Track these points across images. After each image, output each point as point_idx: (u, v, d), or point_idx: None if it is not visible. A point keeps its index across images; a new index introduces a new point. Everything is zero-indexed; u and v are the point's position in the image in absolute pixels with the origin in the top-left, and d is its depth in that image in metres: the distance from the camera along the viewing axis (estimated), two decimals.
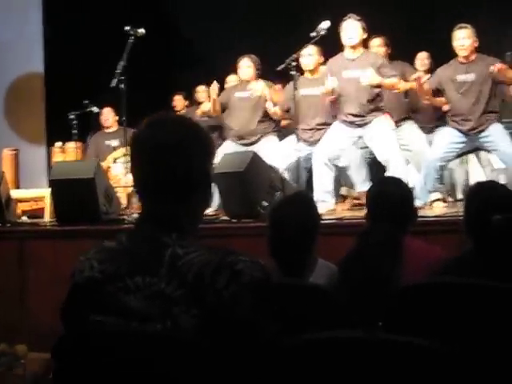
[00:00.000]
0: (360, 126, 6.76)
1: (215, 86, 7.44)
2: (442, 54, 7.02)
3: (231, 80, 8.23)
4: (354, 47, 6.72)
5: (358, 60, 6.74)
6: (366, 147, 7.03)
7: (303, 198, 3.52)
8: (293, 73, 6.62)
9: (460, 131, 6.71)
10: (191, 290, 1.67)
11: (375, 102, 6.74)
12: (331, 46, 7.03)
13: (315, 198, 6.44)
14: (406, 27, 8.93)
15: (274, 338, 1.73)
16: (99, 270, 1.81)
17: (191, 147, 1.84)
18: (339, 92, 6.77)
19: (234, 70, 7.80)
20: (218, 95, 7.60)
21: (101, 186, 6.39)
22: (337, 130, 6.85)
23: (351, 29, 6.69)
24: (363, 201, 5.30)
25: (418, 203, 5.52)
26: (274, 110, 7.34)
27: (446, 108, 7.04)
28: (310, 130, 7.19)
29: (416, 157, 7.22)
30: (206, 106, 7.98)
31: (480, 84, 6.61)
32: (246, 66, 7.53)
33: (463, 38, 6.59)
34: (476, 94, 6.65)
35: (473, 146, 7.05)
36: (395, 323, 2.70)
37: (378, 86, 6.70)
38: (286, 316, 2.60)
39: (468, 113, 6.65)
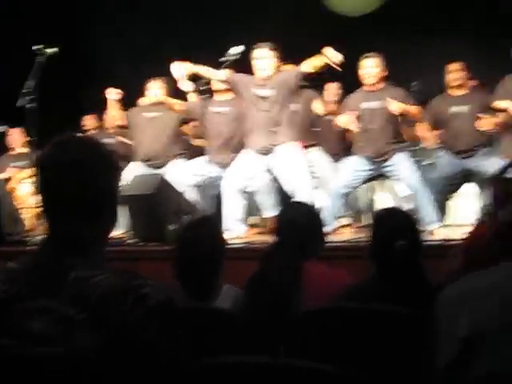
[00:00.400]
0: (268, 153, 6.77)
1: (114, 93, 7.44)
2: (354, 84, 7.14)
3: (144, 102, 8.21)
4: (265, 79, 6.74)
5: (268, 82, 6.77)
6: (275, 173, 7.06)
7: (210, 221, 3.53)
8: (203, 96, 6.63)
9: (366, 159, 6.83)
10: (95, 314, 1.65)
11: (286, 127, 6.77)
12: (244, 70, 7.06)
13: (225, 226, 6.46)
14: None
15: (178, 361, 1.73)
16: (2, 291, 1.77)
17: (96, 167, 1.83)
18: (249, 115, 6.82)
19: (143, 92, 7.78)
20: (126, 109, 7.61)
21: (5, 206, 6.26)
22: (247, 156, 6.85)
23: (264, 58, 6.68)
24: (271, 226, 5.33)
25: (326, 229, 5.59)
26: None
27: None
28: (220, 152, 7.20)
29: (323, 183, 7.30)
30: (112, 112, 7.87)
31: (386, 112, 6.75)
32: (157, 87, 7.52)
33: (370, 67, 6.73)
34: (381, 122, 6.78)
35: (378, 173, 7.18)
36: (297, 348, 2.73)
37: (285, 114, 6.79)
38: (192, 340, 2.60)
39: (373, 141, 6.78)
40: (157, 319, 1.67)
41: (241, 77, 6.83)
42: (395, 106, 6.62)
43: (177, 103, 7.36)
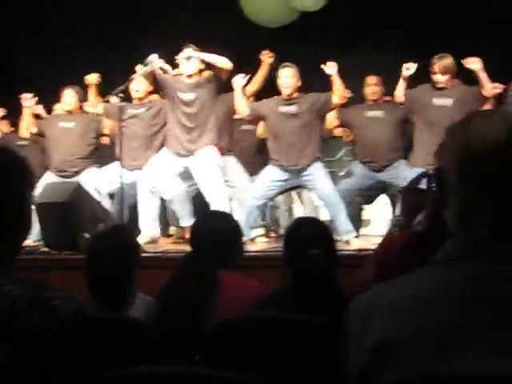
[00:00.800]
0: (187, 155, 6.77)
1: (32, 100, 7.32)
2: (270, 92, 7.18)
3: (58, 108, 8.09)
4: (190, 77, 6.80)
5: (192, 86, 6.80)
6: (193, 184, 7.06)
7: (124, 230, 3.49)
8: (121, 104, 6.58)
9: (282, 169, 6.87)
10: (1, 325, 1.61)
11: (206, 130, 6.79)
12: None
13: (140, 226, 6.43)
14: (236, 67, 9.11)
15: (88, 373, 1.69)
16: None
17: (9, 175, 1.79)
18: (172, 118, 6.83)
19: (59, 99, 7.68)
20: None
21: None
22: (163, 158, 6.85)
23: (188, 59, 6.75)
24: (188, 236, 5.31)
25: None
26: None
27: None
28: (132, 159, 7.16)
29: (239, 193, 7.30)
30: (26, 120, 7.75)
31: (302, 121, 6.81)
32: (69, 95, 7.47)
33: (287, 77, 6.80)
34: (298, 130, 6.83)
35: (295, 183, 7.23)
36: (212, 357, 2.72)
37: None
38: (104, 350, 2.56)
39: (290, 149, 6.84)
40: (65, 332, 1.64)
41: (169, 78, 6.86)
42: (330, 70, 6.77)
43: (92, 105, 7.31)
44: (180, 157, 6.80)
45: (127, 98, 6.87)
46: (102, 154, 7.78)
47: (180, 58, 6.81)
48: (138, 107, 7.20)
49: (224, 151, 7.24)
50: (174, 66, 6.86)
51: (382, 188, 7.48)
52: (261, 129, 7.06)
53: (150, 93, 7.29)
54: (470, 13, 9.01)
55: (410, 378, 1.23)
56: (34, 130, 7.59)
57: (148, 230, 6.65)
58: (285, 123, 6.83)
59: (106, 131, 7.54)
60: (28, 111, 7.40)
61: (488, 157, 1.31)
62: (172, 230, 7.82)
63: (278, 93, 6.91)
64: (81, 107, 7.51)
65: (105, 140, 7.84)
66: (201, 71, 6.85)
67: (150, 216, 6.79)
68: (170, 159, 6.82)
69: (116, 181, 6.72)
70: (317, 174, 6.84)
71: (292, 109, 6.82)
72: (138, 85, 7.15)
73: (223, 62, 6.73)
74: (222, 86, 6.86)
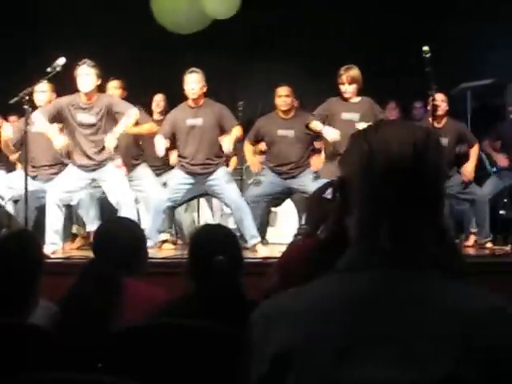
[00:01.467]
0: (94, 170, 6.73)
1: None
2: (179, 97, 7.19)
3: None
4: (88, 95, 6.68)
5: (92, 106, 6.71)
6: (99, 187, 7.00)
7: (27, 235, 3.41)
8: (26, 107, 6.45)
9: (188, 173, 6.90)
10: None
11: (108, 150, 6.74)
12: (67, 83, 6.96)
13: (46, 239, 6.33)
14: (144, 71, 9.07)
15: None
16: None
17: None
18: (72, 134, 6.74)
19: None
20: None
21: None
22: (70, 172, 6.78)
23: (86, 75, 6.63)
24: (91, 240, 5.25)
25: (148, 243, 5.59)
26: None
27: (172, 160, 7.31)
28: (38, 167, 7.07)
29: (147, 197, 7.28)
30: None
31: (206, 129, 6.87)
32: None
33: (193, 82, 6.82)
34: (201, 138, 6.90)
35: (202, 190, 7.26)
36: (114, 365, 2.69)
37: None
38: (3, 357, 2.51)
39: (194, 156, 6.87)
40: None
41: (63, 102, 6.78)
42: (226, 146, 6.80)
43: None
44: (88, 172, 6.75)
45: (31, 104, 6.71)
46: (4, 158, 7.67)
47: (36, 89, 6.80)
48: None
49: (132, 162, 7.26)
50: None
51: (288, 193, 7.57)
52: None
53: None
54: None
55: None
56: None
57: (52, 244, 6.55)
58: (190, 134, 6.94)
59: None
60: None
61: (391, 171, 1.32)
62: (74, 228, 7.73)
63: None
64: None
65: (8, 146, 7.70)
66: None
67: (54, 228, 6.70)
68: (76, 172, 6.79)
69: (19, 187, 6.57)
70: (222, 178, 6.90)
71: (198, 122, 6.92)
72: (43, 93, 7.05)
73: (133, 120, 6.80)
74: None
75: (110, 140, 6.54)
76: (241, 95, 8.47)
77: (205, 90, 6.94)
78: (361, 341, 1.25)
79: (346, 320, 1.27)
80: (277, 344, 1.28)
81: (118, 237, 3.36)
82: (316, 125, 6.92)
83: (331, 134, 6.78)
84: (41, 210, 7.05)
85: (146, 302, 3.08)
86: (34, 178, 6.97)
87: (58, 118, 6.73)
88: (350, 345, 1.24)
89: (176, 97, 7.40)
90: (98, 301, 3.02)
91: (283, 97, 7.28)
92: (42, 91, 7.01)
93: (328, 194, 2.43)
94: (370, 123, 5.94)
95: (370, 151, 1.34)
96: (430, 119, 7.16)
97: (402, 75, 8.66)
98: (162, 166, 7.73)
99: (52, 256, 6.15)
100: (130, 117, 6.67)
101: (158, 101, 8.03)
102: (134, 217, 6.26)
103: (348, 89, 6.88)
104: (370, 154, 1.34)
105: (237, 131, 6.94)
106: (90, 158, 6.70)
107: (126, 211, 6.48)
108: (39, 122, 6.66)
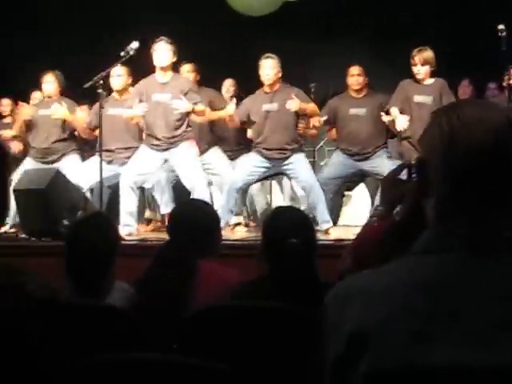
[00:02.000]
0: (166, 149, 6.78)
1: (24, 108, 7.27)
2: (250, 81, 7.21)
3: (36, 97, 8.05)
4: (164, 69, 6.76)
5: (167, 84, 6.77)
6: (173, 171, 7.07)
7: (102, 218, 3.47)
8: (99, 91, 6.54)
9: (264, 157, 6.92)
10: None
11: (183, 128, 6.79)
12: (141, 67, 7.04)
13: (120, 221, 6.42)
14: (216, 54, 9.09)
15: (61, 360, 1.69)
16: None
17: None
18: (147, 115, 6.80)
19: (39, 86, 7.62)
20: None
21: None
22: (144, 153, 6.85)
23: (162, 51, 6.73)
24: (166, 223, 5.30)
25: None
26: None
27: (250, 135, 7.28)
28: (112, 151, 7.16)
29: (220, 180, 7.34)
30: (8, 133, 7.82)
31: (284, 113, 6.86)
32: (50, 81, 7.42)
33: (268, 68, 6.83)
34: (279, 122, 6.88)
35: (275, 171, 7.27)
36: (190, 345, 2.72)
37: (187, 113, 6.78)
38: (82, 337, 2.55)
39: (272, 140, 6.86)
40: (40, 318, 1.63)
41: (142, 85, 6.88)
42: (294, 105, 6.71)
43: (71, 117, 7.30)
44: (161, 151, 6.80)
45: (106, 88, 6.80)
46: (83, 142, 7.80)
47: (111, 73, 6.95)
48: (117, 104, 7.18)
49: (205, 145, 7.32)
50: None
51: (362, 176, 7.54)
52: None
53: (129, 85, 7.25)
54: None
55: (384, 368, 1.23)
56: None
57: (127, 225, 6.65)
58: (267, 119, 6.93)
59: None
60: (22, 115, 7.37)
61: (472, 155, 1.29)
62: (147, 213, 7.84)
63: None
64: (61, 92, 7.47)
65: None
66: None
67: (129, 210, 6.79)
68: (149, 154, 6.84)
69: (96, 175, 6.66)
70: (298, 163, 6.90)
71: (273, 107, 6.91)
72: (119, 77, 7.12)
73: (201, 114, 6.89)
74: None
75: (180, 105, 6.63)
76: (312, 77, 8.43)
77: (280, 75, 6.94)
78: (436, 323, 1.24)
79: (421, 302, 1.26)
80: (353, 323, 1.27)
81: (192, 218, 3.39)
82: (393, 111, 6.85)
83: (401, 123, 6.70)
84: (115, 192, 7.15)
85: (220, 284, 3.10)
86: (109, 162, 7.07)
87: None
88: (424, 327, 1.23)
89: (248, 81, 7.41)
90: (173, 283, 3.05)
91: (355, 76, 7.25)
92: (118, 75, 7.09)
93: (403, 175, 2.40)
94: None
95: (450, 133, 1.32)
96: (506, 97, 7.00)
97: (475, 55, 8.50)
98: (235, 150, 7.76)
99: (127, 238, 6.23)
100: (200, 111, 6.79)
101: (228, 86, 8.01)
102: (207, 199, 6.30)
103: (421, 70, 6.80)
104: (450, 135, 1.32)
105: (312, 107, 6.95)
106: (162, 137, 6.75)
107: (199, 193, 6.53)
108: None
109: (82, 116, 7.36)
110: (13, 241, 6.33)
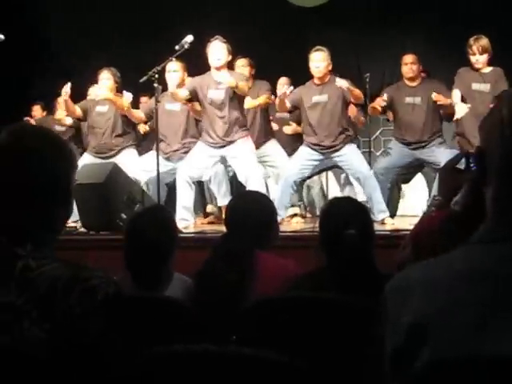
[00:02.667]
0: (223, 146, 6.82)
1: (67, 87, 7.30)
2: (304, 77, 7.20)
3: (93, 92, 8.15)
4: (219, 68, 6.77)
5: (219, 83, 6.79)
6: (229, 166, 7.12)
7: (161, 211, 3.51)
8: (155, 85, 6.58)
9: (315, 150, 6.92)
10: (43, 304, 1.63)
11: (239, 124, 6.82)
12: (194, 61, 7.08)
13: (176, 215, 6.47)
14: (270, 50, 9.09)
15: (124, 355, 1.71)
16: None
17: (54, 157, 1.81)
18: (204, 112, 6.85)
19: (96, 82, 7.70)
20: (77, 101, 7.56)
21: None
22: (200, 149, 6.91)
23: (218, 50, 6.75)
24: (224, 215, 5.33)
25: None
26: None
27: (300, 129, 7.32)
28: (171, 146, 7.22)
29: (277, 172, 7.35)
30: (61, 114, 7.92)
31: (333, 104, 6.86)
32: (106, 78, 7.50)
33: (318, 60, 6.82)
34: (330, 114, 6.88)
35: (329, 164, 7.26)
36: (249, 337, 2.73)
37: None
38: (142, 329, 2.59)
39: (323, 132, 6.85)
40: (104, 312, 1.66)
41: (197, 81, 6.91)
42: (343, 82, 6.71)
43: (125, 107, 7.34)
44: (215, 148, 6.85)
45: (161, 82, 6.84)
46: (140, 137, 7.90)
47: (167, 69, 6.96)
48: (173, 103, 7.24)
49: (261, 140, 7.35)
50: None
51: (419, 166, 7.48)
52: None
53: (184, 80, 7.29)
54: None
55: (446, 358, 1.23)
56: (70, 119, 7.85)
57: (183, 219, 6.70)
58: (321, 109, 6.95)
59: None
60: (68, 99, 7.41)
61: None
62: (209, 207, 7.90)
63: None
64: (117, 89, 7.54)
65: (143, 128, 7.93)
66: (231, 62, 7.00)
67: (185, 205, 6.86)
68: (206, 150, 6.90)
69: (153, 169, 6.71)
70: (350, 154, 6.89)
71: (322, 98, 6.92)
72: (175, 73, 7.14)
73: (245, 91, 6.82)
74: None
75: (224, 78, 6.65)
76: (367, 67, 8.38)
77: (330, 68, 6.95)
78: (498, 313, 1.23)
79: (482, 292, 1.25)
80: (412, 315, 1.27)
81: (250, 210, 3.39)
82: (455, 94, 6.78)
83: (460, 110, 6.62)
84: (172, 190, 7.22)
85: (278, 275, 3.11)
86: (166, 158, 7.14)
87: (194, 96, 6.88)
88: (486, 317, 1.23)
89: (301, 75, 7.40)
90: (232, 275, 3.07)
91: (409, 64, 7.21)
92: (174, 70, 7.11)
93: (461, 164, 2.38)
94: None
95: (510, 124, 1.30)
96: None
97: None
98: (291, 148, 7.75)
99: (184, 231, 6.28)
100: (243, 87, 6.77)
101: (283, 83, 7.96)
102: (263, 191, 6.32)
103: (479, 59, 6.73)
104: (510, 127, 1.30)
105: (358, 91, 6.93)
106: (218, 134, 6.79)
107: (254, 186, 6.55)
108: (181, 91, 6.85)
109: (125, 98, 7.34)
110: (72, 234, 6.42)
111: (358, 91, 6.88)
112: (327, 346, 2.62)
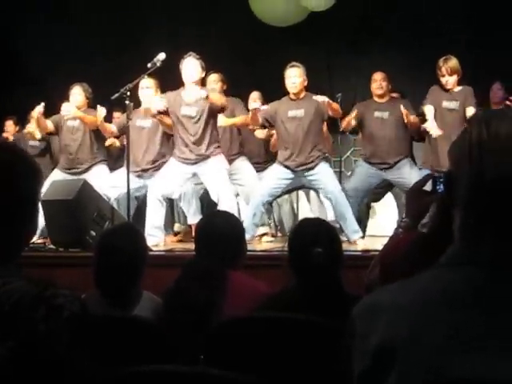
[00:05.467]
0: (195, 163, 6.81)
1: (40, 107, 7.29)
2: (276, 93, 7.23)
3: (64, 108, 8.10)
4: (191, 86, 6.77)
5: (192, 100, 6.79)
6: (201, 183, 7.11)
7: (131, 228, 3.49)
8: (127, 102, 6.57)
9: (288, 167, 6.91)
10: (6, 322, 1.62)
11: (211, 140, 6.81)
12: (167, 78, 7.08)
13: (145, 232, 6.44)
14: (243, 65, 9.11)
15: (91, 375, 1.70)
16: None
17: (19, 174, 1.80)
18: (176, 128, 6.85)
19: (68, 98, 7.67)
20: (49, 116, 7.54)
21: None
22: (172, 166, 6.89)
23: (191, 67, 6.76)
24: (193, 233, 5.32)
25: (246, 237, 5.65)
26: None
27: (273, 143, 7.33)
28: (141, 163, 7.21)
29: (246, 191, 7.35)
30: (31, 127, 7.87)
31: (310, 120, 6.87)
32: (77, 93, 7.50)
33: (294, 76, 6.84)
34: (305, 129, 6.88)
35: (301, 183, 7.27)
36: (217, 357, 2.72)
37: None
38: (109, 349, 2.57)
39: (297, 147, 6.86)
40: (69, 332, 1.64)
41: (171, 96, 6.92)
42: (322, 98, 6.74)
43: (93, 121, 7.33)
44: (187, 165, 6.83)
45: (132, 99, 6.83)
46: (110, 154, 7.88)
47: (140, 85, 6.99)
48: (144, 119, 7.24)
49: (231, 154, 7.36)
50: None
51: (387, 187, 7.52)
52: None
53: None
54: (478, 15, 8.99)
55: (413, 381, 1.23)
56: (40, 135, 7.81)
57: (152, 236, 6.67)
58: (295, 125, 6.93)
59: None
60: (40, 117, 7.39)
61: (502, 177, 1.27)
62: (176, 226, 7.88)
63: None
64: (88, 104, 7.54)
65: (111, 141, 7.89)
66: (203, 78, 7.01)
67: (155, 224, 6.84)
68: (177, 167, 6.89)
69: (123, 186, 6.70)
70: (323, 173, 6.88)
71: (299, 113, 6.90)
72: (148, 89, 7.15)
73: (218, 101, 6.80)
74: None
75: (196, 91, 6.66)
76: (338, 87, 8.42)
77: (305, 83, 6.96)
78: (464, 337, 1.23)
79: (449, 315, 1.26)
80: (380, 338, 1.27)
81: (219, 230, 3.40)
82: (428, 110, 6.84)
83: (435, 129, 6.67)
84: (142, 204, 7.20)
85: (248, 295, 3.11)
86: (138, 176, 7.12)
87: (166, 112, 6.88)
88: (454, 340, 1.23)
89: (273, 91, 7.43)
90: (202, 294, 3.06)
91: (378, 81, 7.28)
92: (147, 87, 7.12)
93: (427, 186, 2.39)
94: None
95: (479, 147, 1.30)
96: None
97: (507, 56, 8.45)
98: (262, 163, 7.77)
99: (154, 249, 6.26)
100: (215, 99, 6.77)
101: (255, 98, 7.96)
102: (233, 210, 6.32)
103: (449, 80, 6.81)
104: (479, 150, 1.30)
105: (336, 105, 6.96)
106: (191, 151, 6.78)
107: (225, 204, 6.55)
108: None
109: (95, 118, 7.33)
110: (41, 251, 6.37)
111: (336, 105, 6.91)
112: (294, 366, 2.62)
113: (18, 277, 1.71)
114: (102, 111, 7.18)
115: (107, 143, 7.77)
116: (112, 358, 2.05)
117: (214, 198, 6.85)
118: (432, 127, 6.69)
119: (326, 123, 7.26)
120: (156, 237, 6.78)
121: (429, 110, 6.82)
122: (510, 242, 1.29)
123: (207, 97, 6.63)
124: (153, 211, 6.84)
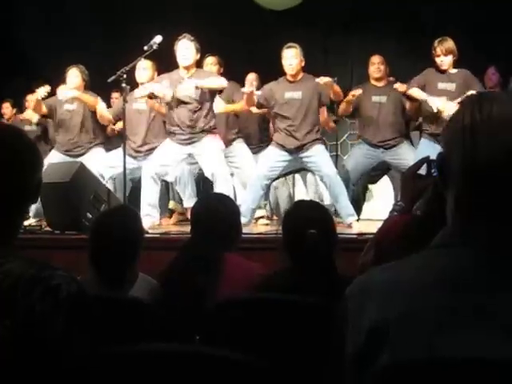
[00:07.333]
0: (190, 143, 6.80)
1: (47, 88, 7.28)
2: (273, 75, 7.21)
3: (60, 92, 8.08)
4: (187, 68, 6.76)
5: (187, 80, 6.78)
6: (196, 163, 7.10)
7: (127, 210, 3.50)
8: (123, 85, 6.56)
9: (284, 149, 6.90)
10: (4, 301, 1.63)
11: (206, 121, 6.80)
12: (164, 60, 7.06)
13: (141, 212, 6.44)
14: (237, 49, 9.08)
15: (87, 355, 1.71)
16: None
17: (22, 158, 1.80)
18: (172, 108, 6.83)
19: (64, 82, 7.66)
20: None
21: None
22: (167, 146, 6.88)
23: (185, 49, 6.73)
24: (189, 216, 5.33)
25: (242, 220, 5.65)
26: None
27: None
28: (137, 145, 7.21)
29: (243, 174, 7.35)
30: (29, 113, 7.89)
31: (307, 102, 6.85)
32: (74, 75, 7.47)
33: (291, 57, 6.82)
34: (302, 111, 6.87)
35: (297, 166, 7.26)
36: (212, 337, 2.74)
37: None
38: (105, 329, 2.58)
39: (293, 128, 6.86)
40: (65, 312, 1.66)
41: (167, 77, 6.88)
42: (325, 79, 6.71)
43: (93, 103, 7.35)
44: (182, 145, 6.83)
45: (130, 81, 6.82)
46: (109, 137, 7.88)
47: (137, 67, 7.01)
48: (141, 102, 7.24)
49: (228, 137, 7.34)
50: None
51: (385, 169, 7.53)
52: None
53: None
54: None
55: (405, 361, 1.24)
56: (36, 117, 7.79)
57: (148, 215, 6.68)
58: (291, 106, 6.90)
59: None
60: (38, 99, 7.37)
61: (494, 159, 1.28)
62: (171, 204, 7.88)
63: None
64: (85, 86, 7.53)
65: (113, 130, 7.90)
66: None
67: (150, 202, 6.84)
68: (173, 147, 6.88)
69: (119, 166, 6.71)
70: (319, 155, 6.87)
71: (296, 95, 6.87)
72: (144, 71, 7.15)
73: (218, 85, 6.79)
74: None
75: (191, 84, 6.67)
76: (335, 70, 8.41)
77: (303, 64, 6.93)
78: (455, 317, 1.25)
79: (442, 295, 1.27)
80: (373, 317, 1.29)
81: (214, 212, 3.42)
82: (419, 93, 6.84)
83: (437, 102, 6.68)
84: (137, 186, 7.20)
85: (244, 277, 3.13)
86: (133, 157, 7.12)
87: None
88: (446, 319, 1.25)
89: (270, 73, 7.41)
90: (197, 276, 3.08)
91: (376, 64, 7.30)
92: (144, 68, 7.12)
93: (422, 169, 2.40)
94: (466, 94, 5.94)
95: (472, 129, 1.31)
96: None
97: (502, 42, 8.45)
98: (257, 145, 7.77)
99: (149, 231, 6.27)
100: (215, 82, 6.77)
101: (251, 80, 7.93)
102: (229, 190, 6.33)
103: (444, 60, 6.80)
104: (472, 132, 1.31)
105: (337, 87, 6.92)
106: (186, 131, 6.77)
107: (220, 184, 6.55)
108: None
109: (95, 99, 7.36)
110: (37, 234, 6.38)
111: (338, 88, 6.89)
112: (288, 347, 2.64)
113: (14, 257, 1.72)
114: (102, 106, 7.28)
115: (108, 130, 7.80)
116: (108, 339, 2.06)
117: (208, 175, 6.83)
118: (434, 101, 6.69)
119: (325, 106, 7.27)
120: (151, 216, 6.78)
121: (417, 91, 6.83)
122: (502, 223, 1.30)
123: (202, 87, 6.64)
124: (147, 189, 6.84)
